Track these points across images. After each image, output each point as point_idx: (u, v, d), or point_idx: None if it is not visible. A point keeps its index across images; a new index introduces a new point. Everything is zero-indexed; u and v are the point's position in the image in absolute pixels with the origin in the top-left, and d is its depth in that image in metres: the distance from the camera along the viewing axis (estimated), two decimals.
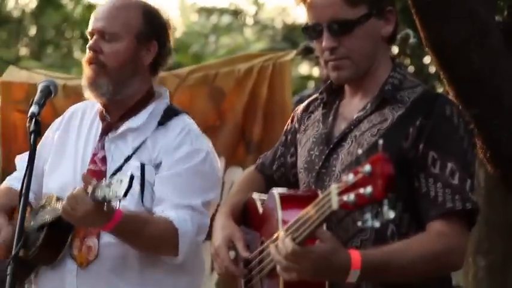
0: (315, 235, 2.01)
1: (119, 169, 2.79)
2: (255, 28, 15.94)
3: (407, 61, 7.06)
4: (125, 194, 2.44)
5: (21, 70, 5.26)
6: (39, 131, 2.62)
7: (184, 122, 2.93)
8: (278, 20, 15.42)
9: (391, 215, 1.84)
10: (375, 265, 2.10)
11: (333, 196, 1.89)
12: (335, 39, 2.29)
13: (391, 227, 2.24)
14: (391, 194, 1.81)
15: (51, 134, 2.99)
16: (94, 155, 2.87)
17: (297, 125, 2.56)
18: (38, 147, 2.92)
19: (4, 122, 4.70)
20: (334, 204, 1.88)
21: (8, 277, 2.42)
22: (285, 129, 2.64)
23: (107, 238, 2.77)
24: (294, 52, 4.50)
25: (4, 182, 3.12)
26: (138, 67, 2.88)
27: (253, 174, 2.70)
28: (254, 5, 16.55)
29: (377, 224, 1.89)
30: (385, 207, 1.85)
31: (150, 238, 2.76)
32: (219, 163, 2.99)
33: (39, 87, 2.73)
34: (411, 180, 2.24)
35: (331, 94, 2.46)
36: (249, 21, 16.11)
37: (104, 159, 2.86)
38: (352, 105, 2.40)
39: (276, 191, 2.35)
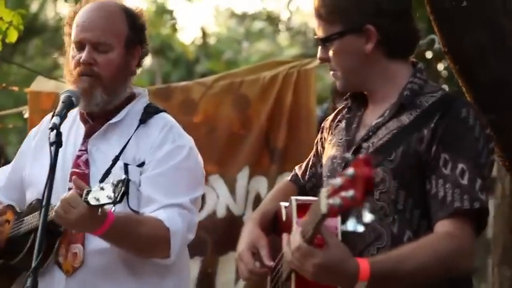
0: (323, 238, 2.01)
1: (108, 171, 2.78)
2: (288, 34, 15.93)
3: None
4: (121, 199, 2.44)
5: (50, 80, 5.29)
6: (60, 142, 2.61)
7: (165, 120, 2.91)
8: (311, 25, 15.44)
9: (369, 218, 1.85)
10: (383, 274, 2.07)
11: (322, 199, 1.88)
12: (325, 53, 2.34)
13: (407, 234, 2.21)
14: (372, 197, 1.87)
15: (29, 142, 2.98)
16: (78, 157, 2.85)
17: (325, 135, 2.56)
18: (16, 155, 2.98)
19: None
20: (323, 207, 1.87)
21: None
22: (316, 140, 2.64)
23: (92, 244, 2.74)
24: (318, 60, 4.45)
25: None
26: (127, 74, 2.89)
27: (287, 185, 2.70)
28: (287, 10, 16.58)
29: (360, 229, 1.91)
30: (365, 211, 1.85)
31: (141, 239, 2.73)
32: (201, 158, 2.93)
33: (61, 98, 2.69)
34: (425, 184, 2.22)
35: (355, 100, 2.45)
36: (282, 27, 16.09)
37: (86, 162, 2.84)
38: (373, 113, 2.38)
39: (294, 199, 2.35)
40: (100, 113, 2.85)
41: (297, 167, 2.69)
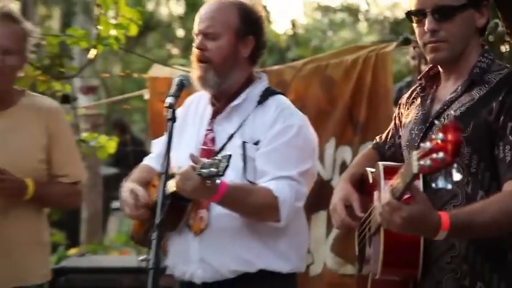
0: (412, 194, 1.99)
1: (223, 147, 2.80)
2: (366, 23, 15.82)
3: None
4: (224, 172, 2.45)
5: (164, 67, 5.36)
6: (175, 119, 2.63)
7: (279, 101, 2.89)
8: (387, 15, 15.30)
9: (458, 177, 1.91)
10: (461, 225, 2.04)
11: (413, 161, 1.86)
12: (437, 24, 2.24)
13: (480, 194, 2.17)
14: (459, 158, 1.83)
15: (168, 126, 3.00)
16: (205, 136, 2.88)
17: (402, 111, 2.53)
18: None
19: (152, 111, 4.81)
20: (415, 168, 1.86)
21: (153, 242, 2.42)
22: (394, 115, 2.62)
23: (215, 210, 2.76)
24: (395, 44, 4.38)
25: (143, 161, 3.17)
26: (237, 59, 2.86)
27: (370, 152, 2.69)
28: (365, 2, 16.49)
29: (449, 186, 1.94)
30: (454, 170, 1.91)
31: (253, 206, 2.75)
32: (314, 134, 2.92)
33: (175, 81, 2.74)
34: (494, 150, 2.17)
35: (429, 80, 2.41)
36: (361, 17, 15.98)
37: (213, 140, 2.86)
38: (446, 89, 2.34)
39: (381, 164, 2.37)
40: (223, 96, 2.87)
41: (377, 137, 2.68)
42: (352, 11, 15.82)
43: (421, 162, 1.83)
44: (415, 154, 1.87)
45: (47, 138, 3.07)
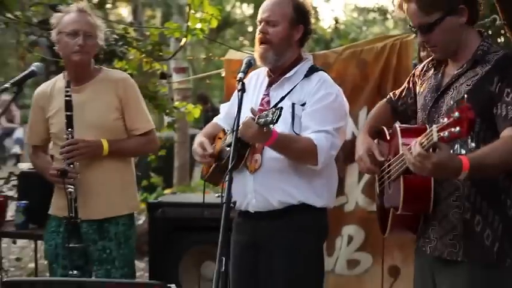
0: (437, 148, 1.95)
1: (276, 105, 2.76)
2: (393, 20, 15.53)
3: None
4: (277, 120, 2.43)
5: (237, 52, 5.33)
6: (244, 89, 2.61)
7: (321, 76, 2.84)
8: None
9: (473, 146, 1.94)
10: (477, 166, 1.99)
11: (434, 132, 1.87)
12: (423, 36, 2.21)
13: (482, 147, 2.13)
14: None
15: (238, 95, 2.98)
16: (262, 99, 2.86)
17: (416, 79, 2.46)
18: (232, 98, 2.98)
19: (227, 86, 4.77)
20: (435, 137, 1.86)
21: (227, 183, 2.41)
22: (408, 79, 2.55)
23: (267, 154, 2.75)
24: (414, 35, 4.25)
25: (213, 120, 3.17)
26: (290, 42, 2.83)
27: (384, 105, 2.63)
28: (392, 4, 16.19)
29: (463, 151, 1.92)
30: (469, 140, 1.94)
31: (297, 151, 2.72)
32: (347, 102, 2.89)
33: (244, 61, 2.73)
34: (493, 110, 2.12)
35: (439, 60, 2.35)
36: (389, 16, 15.72)
37: (268, 102, 2.83)
38: (454, 66, 2.28)
39: (398, 125, 2.34)
40: (278, 70, 2.83)
41: (391, 93, 2.61)
42: (382, 11, 15.61)
43: (441, 133, 1.84)
44: (435, 127, 1.88)
45: (118, 101, 3.06)
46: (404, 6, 2.23)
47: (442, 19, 2.17)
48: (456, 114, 1.80)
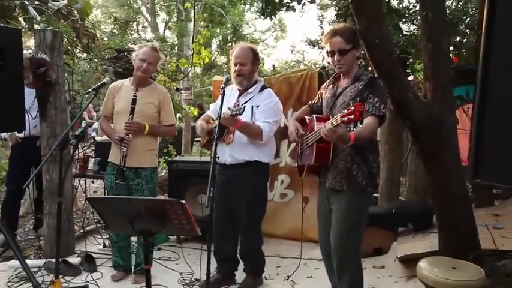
0: (339, 126, 1.89)
1: (244, 106, 2.63)
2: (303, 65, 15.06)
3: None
4: (242, 113, 2.39)
5: (220, 76, 5.17)
6: (224, 94, 2.53)
7: (268, 91, 2.79)
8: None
9: (360, 125, 1.89)
10: (357, 138, 1.96)
11: (338, 117, 1.82)
12: (339, 56, 2.15)
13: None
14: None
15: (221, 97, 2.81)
16: (235, 103, 2.77)
17: (322, 91, 2.41)
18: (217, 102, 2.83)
19: (214, 96, 4.66)
20: (339, 120, 1.82)
21: (213, 148, 2.33)
22: (318, 92, 2.47)
23: (236, 134, 2.70)
24: (319, 68, 4.20)
25: (206, 113, 3.01)
26: (253, 73, 2.78)
27: (306, 107, 2.53)
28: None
29: (355, 130, 1.89)
30: (358, 123, 1.88)
31: (252, 132, 2.66)
32: (281, 105, 2.81)
33: (224, 78, 2.62)
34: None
35: (337, 79, 2.30)
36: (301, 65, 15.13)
37: (238, 105, 2.74)
38: (343, 82, 2.24)
39: (314, 115, 2.27)
40: (244, 87, 2.75)
41: (310, 102, 2.49)
42: (299, 62, 14.89)
43: (343, 118, 1.80)
44: (338, 115, 1.80)
45: (158, 103, 2.94)
46: (332, 38, 2.14)
47: (352, 48, 2.16)
48: (352, 108, 1.79)
